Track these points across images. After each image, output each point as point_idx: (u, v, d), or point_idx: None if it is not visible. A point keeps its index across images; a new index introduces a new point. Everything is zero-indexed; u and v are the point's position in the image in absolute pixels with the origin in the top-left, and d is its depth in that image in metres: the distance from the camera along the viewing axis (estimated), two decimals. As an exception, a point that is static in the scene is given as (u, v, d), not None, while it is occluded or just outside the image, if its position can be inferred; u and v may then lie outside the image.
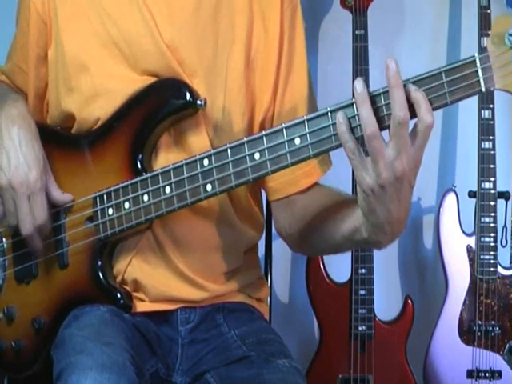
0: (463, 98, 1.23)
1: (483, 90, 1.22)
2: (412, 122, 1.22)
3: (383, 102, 1.24)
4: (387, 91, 1.23)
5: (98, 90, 1.49)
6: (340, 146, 1.27)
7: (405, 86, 1.22)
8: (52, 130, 1.57)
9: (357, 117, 1.25)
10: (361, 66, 2.36)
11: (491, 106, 2.36)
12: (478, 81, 1.21)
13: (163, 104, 1.46)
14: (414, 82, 1.23)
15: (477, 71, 1.21)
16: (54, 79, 1.56)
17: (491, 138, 2.36)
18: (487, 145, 2.36)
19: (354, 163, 1.25)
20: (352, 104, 1.26)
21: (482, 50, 1.22)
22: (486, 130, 2.36)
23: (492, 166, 2.36)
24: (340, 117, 1.25)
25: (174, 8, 1.49)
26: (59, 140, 1.56)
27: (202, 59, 1.49)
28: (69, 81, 1.52)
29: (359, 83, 1.24)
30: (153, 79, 1.48)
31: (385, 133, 1.24)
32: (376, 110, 1.24)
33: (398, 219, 1.29)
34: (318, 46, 2.62)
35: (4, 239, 1.58)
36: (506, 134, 2.56)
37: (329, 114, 1.28)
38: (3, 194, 1.48)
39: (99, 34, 1.50)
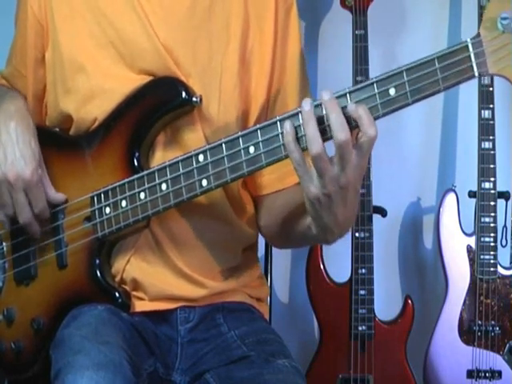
0: (456, 83, 1.23)
1: (476, 75, 1.21)
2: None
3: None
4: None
5: (94, 90, 1.50)
6: None
7: (346, 106, 1.24)
8: (50, 132, 1.58)
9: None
10: (361, 66, 2.36)
11: (491, 106, 2.36)
12: (471, 66, 1.21)
13: (159, 102, 1.46)
14: (407, 70, 1.24)
15: (469, 56, 1.21)
16: (51, 81, 1.57)
17: (491, 138, 2.36)
18: (487, 145, 2.36)
19: (300, 174, 1.28)
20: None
21: (476, 35, 1.22)
22: (486, 129, 2.36)
23: (492, 166, 2.36)
24: (287, 126, 1.27)
25: (168, 9, 1.50)
26: (57, 141, 1.57)
27: (197, 60, 1.49)
28: (66, 82, 1.53)
29: (306, 103, 1.26)
30: (149, 78, 1.48)
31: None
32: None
33: (345, 220, 1.33)
34: (318, 46, 2.61)
35: (4, 242, 1.59)
36: (506, 134, 2.56)
37: (322, 105, 1.27)
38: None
39: (95, 35, 1.51)
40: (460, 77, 1.22)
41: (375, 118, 1.25)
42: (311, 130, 1.25)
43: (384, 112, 1.25)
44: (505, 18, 1.19)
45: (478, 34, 1.21)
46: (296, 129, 1.28)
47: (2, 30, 1.73)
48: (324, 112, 1.26)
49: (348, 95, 1.26)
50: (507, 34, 1.20)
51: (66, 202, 1.52)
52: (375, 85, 1.25)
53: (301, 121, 1.28)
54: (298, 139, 1.27)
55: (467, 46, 1.21)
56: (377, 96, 1.25)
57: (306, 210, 1.35)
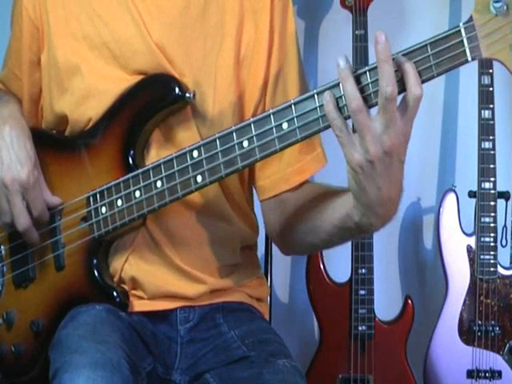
0: (449, 69, 1.21)
1: (469, 59, 1.20)
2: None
3: (369, 80, 1.23)
4: (373, 68, 1.22)
5: (89, 91, 1.50)
6: (328, 127, 1.27)
7: (394, 58, 1.21)
8: (45, 134, 1.59)
9: (343, 97, 1.24)
10: (361, 66, 2.35)
11: (491, 105, 2.36)
12: (464, 51, 1.20)
13: (152, 99, 1.46)
14: None
15: (462, 41, 1.19)
16: (47, 83, 1.57)
17: (491, 138, 2.36)
18: (487, 145, 2.36)
19: (342, 141, 1.24)
20: (338, 84, 1.25)
21: (468, 19, 1.20)
22: (486, 129, 2.36)
23: (492, 166, 2.36)
24: (327, 96, 1.25)
25: (162, 8, 1.50)
26: (53, 143, 1.57)
27: (191, 58, 1.49)
28: (61, 83, 1.53)
29: (342, 60, 1.23)
30: None
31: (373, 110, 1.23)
32: (362, 89, 1.23)
33: (390, 199, 1.29)
34: (318, 46, 2.62)
35: (2, 245, 1.59)
36: (506, 134, 2.56)
37: (315, 96, 1.27)
38: None
39: (90, 36, 1.51)
40: (453, 62, 1.20)
41: (370, 107, 1.23)
42: (350, 86, 1.21)
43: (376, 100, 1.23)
44: (497, 1, 1.18)
45: (471, 18, 1.19)
46: (337, 100, 1.24)
47: (1, 32, 1.73)
48: (366, 69, 1.23)
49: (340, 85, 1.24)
50: (500, 17, 1.18)
51: (61, 204, 1.52)
52: (367, 74, 1.23)
53: (325, 99, 1.25)
54: (339, 109, 1.24)
55: (460, 31, 1.20)
56: (369, 86, 1.23)
57: (337, 201, 1.35)
